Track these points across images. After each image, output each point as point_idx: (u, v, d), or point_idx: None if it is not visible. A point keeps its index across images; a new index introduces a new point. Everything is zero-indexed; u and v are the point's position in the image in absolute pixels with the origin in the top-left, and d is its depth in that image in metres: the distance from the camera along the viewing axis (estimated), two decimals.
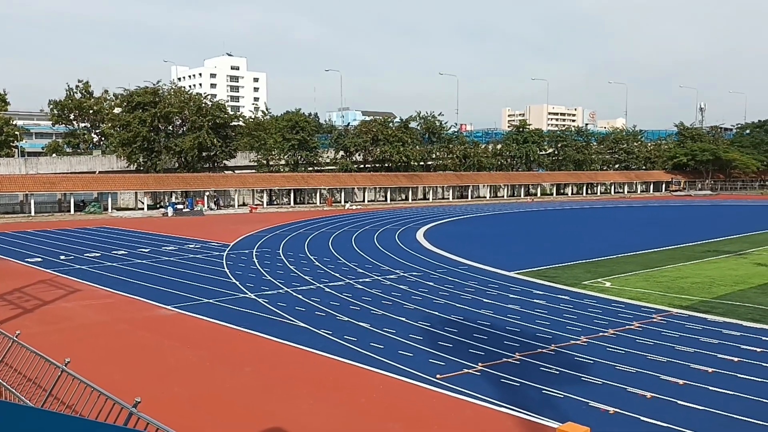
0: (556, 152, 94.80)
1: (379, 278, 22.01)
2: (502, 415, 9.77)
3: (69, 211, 55.51)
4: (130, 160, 66.17)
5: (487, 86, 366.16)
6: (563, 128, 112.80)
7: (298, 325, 15.41)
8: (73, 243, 33.68)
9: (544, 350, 13.11)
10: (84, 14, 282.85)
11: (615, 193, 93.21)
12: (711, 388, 10.78)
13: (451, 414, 9.90)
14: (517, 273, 22.86)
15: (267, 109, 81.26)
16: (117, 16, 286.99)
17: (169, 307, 17.61)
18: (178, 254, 28.67)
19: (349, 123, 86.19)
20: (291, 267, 24.62)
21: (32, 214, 53.45)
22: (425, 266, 24.73)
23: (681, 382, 11.08)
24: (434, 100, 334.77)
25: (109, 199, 58.09)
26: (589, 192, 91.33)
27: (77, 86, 77.70)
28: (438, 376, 11.45)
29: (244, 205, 67.25)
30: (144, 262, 26.33)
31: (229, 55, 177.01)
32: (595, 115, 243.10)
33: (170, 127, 68.82)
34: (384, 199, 74.69)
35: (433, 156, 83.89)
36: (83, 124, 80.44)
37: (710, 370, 11.75)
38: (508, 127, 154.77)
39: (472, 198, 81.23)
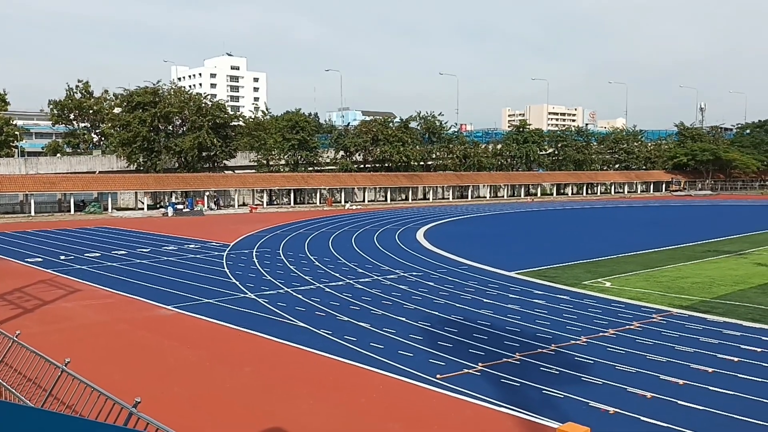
0: (556, 152, 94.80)
1: (379, 278, 22.01)
2: (502, 415, 9.77)
3: (69, 211, 55.52)
4: (130, 160, 66.18)
5: (487, 86, 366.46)
6: (563, 128, 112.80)
7: (298, 325, 15.41)
8: (73, 243, 33.68)
9: (544, 350, 13.10)
10: (84, 14, 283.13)
11: (615, 193, 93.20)
12: (711, 388, 10.78)
13: (451, 414, 9.90)
14: (517, 273, 22.86)
15: (267, 109, 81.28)
16: (117, 16, 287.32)
17: (169, 307, 17.61)
18: (178, 254, 28.67)
19: (349, 123, 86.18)
20: (291, 267, 24.62)
21: (32, 214, 53.46)
22: (425, 266, 24.73)
23: (681, 382, 11.07)
24: (434, 100, 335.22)
25: (109, 199, 58.09)
26: (589, 192, 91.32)
27: (77, 86, 77.73)
28: (438, 376, 11.45)
29: (244, 205, 67.24)
30: (144, 262, 26.33)
31: (229, 55, 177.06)
32: (595, 115, 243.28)
33: (170, 127, 68.84)
34: (384, 199, 74.69)
35: (433, 156, 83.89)
36: (83, 124, 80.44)
37: (710, 370, 11.75)
38: (508, 127, 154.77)
39: (472, 198, 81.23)
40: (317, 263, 25.59)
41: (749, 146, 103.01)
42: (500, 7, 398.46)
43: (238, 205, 66.31)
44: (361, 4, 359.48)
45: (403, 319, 15.92)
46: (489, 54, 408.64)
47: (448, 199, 79.85)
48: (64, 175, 60.90)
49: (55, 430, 2.66)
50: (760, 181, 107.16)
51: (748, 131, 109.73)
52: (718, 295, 18.85)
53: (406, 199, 76.44)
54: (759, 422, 9.34)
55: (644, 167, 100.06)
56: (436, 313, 16.61)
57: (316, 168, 75.98)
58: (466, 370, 11.79)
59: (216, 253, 28.97)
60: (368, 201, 73.53)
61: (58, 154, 75.58)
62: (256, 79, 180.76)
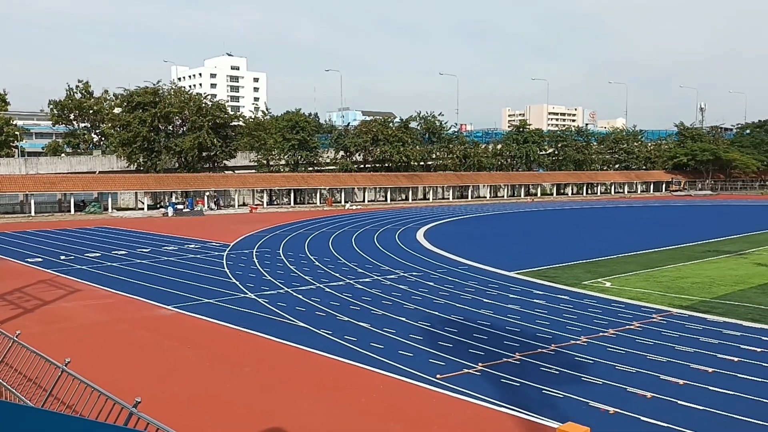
0: (556, 152, 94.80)
1: (379, 278, 22.02)
2: (502, 415, 9.77)
3: (69, 211, 55.52)
4: (130, 160, 66.19)
5: (487, 86, 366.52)
6: (563, 128, 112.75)
7: (298, 325, 15.41)
8: (74, 243, 33.68)
9: (544, 350, 13.11)
10: (84, 14, 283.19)
11: (615, 193, 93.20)
12: (711, 388, 10.78)
13: (451, 414, 9.90)
14: (517, 273, 22.86)
15: (267, 109, 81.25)
16: (117, 16, 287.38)
17: (169, 307, 17.61)
18: (178, 254, 28.67)
19: (349, 123, 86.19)
20: (291, 267, 24.63)
21: (32, 214, 53.47)
22: (425, 266, 24.73)
23: (681, 382, 11.08)
24: (434, 100, 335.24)
25: (109, 199, 58.10)
26: (589, 192, 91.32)
27: (77, 86, 77.75)
28: (438, 376, 11.45)
29: (244, 205, 67.25)
30: (144, 262, 26.34)
31: (229, 55, 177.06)
32: (595, 115, 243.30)
33: (170, 127, 68.85)
34: (384, 199, 74.70)
35: (433, 156, 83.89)
36: (83, 124, 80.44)
37: (710, 370, 11.75)
38: (508, 127, 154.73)
39: (472, 198, 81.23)
40: (317, 263, 25.59)
41: (749, 146, 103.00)
42: (500, 7, 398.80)
43: (238, 205, 66.31)
44: (361, 4, 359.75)
45: (403, 319, 15.92)
46: (489, 54, 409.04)
47: (448, 199, 79.86)
48: (64, 175, 60.91)
49: (55, 430, 2.67)
50: (760, 181, 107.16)
51: (748, 131, 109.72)
52: (718, 295, 18.85)
53: (406, 199, 76.45)
54: (759, 422, 9.34)
55: (644, 167, 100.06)
56: (436, 313, 16.62)
57: (316, 168, 75.98)
58: (466, 370, 11.79)
59: (216, 253, 28.97)
60: (368, 201, 73.54)
61: (60, 154, 75.60)
62: (256, 79, 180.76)
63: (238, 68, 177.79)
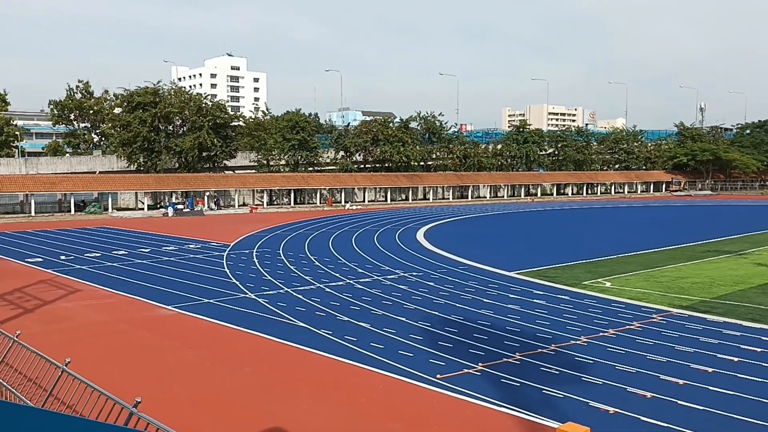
0: (556, 152, 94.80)
1: (379, 278, 22.02)
2: (502, 415, 9.77)
3: (69, 211, 55.53)
4: (130, 160, 66.20)
5: (487, 86, 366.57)
6: (563, 128, 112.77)
7: (299, 325, 15.42)
8: (74, 243, 33.69)
9: (544, 350, 13.11)
10: (84, 14, 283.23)
11: (615, 193, 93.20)
12: (711, 388, 10.78)
13: (451, 414, 9.90)
14: (517, 273, 22.86)
15: (267, 109, 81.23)
16: (117, 16, 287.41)
17: (169, 307, 17.61)
18: (178, 254, 28.68)
19: (349, 123, 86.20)
20: (291, 267, 24.63)
21: (32, 214, 53.48)
22: (425, 266, 24.73)
23: (681, 382, 11.08)
24: (434, 100, 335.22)
25: (110, 199, 58.10)
26: (590, 192, 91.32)
27: (77, 86, 77.76)
28: (438, 376, 11.45)
29: (244, 205, 67.25)
30: (144, 262, 26.34)
31: (230, 55, 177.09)
32: (595, 115, 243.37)
33: (170, 128, 68.86)
34: (384, 199, 74.70)
35: (433, 156, 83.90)
36: (83, 125, 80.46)
37: (710, 370, 11.76)
38: (508, 127, 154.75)
39: (472, 198, 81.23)
40: (317, 263, 25.59)
41: (749, 146, 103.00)
42: (500, 7, 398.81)
43: (239, 206, 66.31)
44: (361, 4, 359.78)
45: (403, 319, 15.92)
46: (489, 54, 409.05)
47: (448, 199, 79.85)
48: (64, 175, 60.92)
49: (55, 430, 2.67)
50: (760, 181, 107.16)
51: (748, 131, 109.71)
52: (718, 295, 18.85)
53: (406, 199, 76.45)
54: (759, 422, 9.34)
55: (644, 167, 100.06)
56: (437, 313, 16.62)
57: (316, 168, 75.99)
58: (466, 370, 11.80)
59: (216, 253, 28.97)
60: (368, 201, 73.55)
61: (63, 154, 75.61)
62: (256, 80, 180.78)
63: (238, 68, 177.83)
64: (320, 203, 68.66)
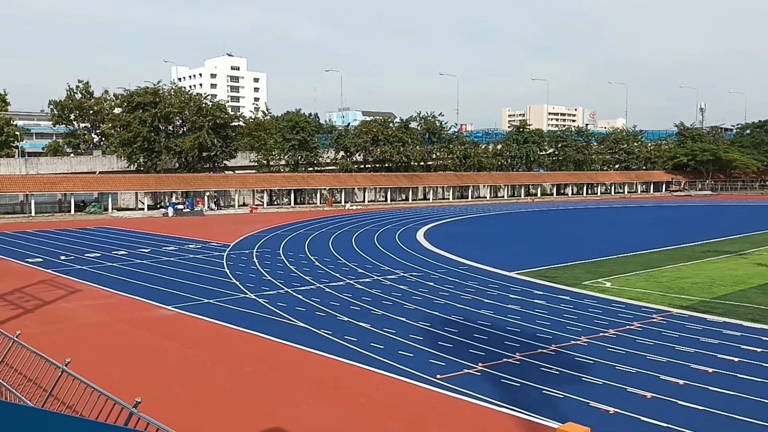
0: (556, 152, 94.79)
1: (379, 278, 22.02)
2: (502, 415, 9.77)
3: (69, 211, 55.53)
4: (130, 160, 66.20)
5: (487, 86, 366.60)
6: (563, 128, 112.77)
7: (298, 325, 15.42)
8: (74, 243, 33.69)
9: (544, 350, 13.11)
10: (84, 14, 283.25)
11: (615, 193, 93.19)
12: (711, 388, 10.78)
13: (451, 414, 9.90)
14: (518, 273, 22.86)
15: (267, 110, 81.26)
16: (117, 16, 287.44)
17: (169, 307, 17.61)
18: (178, 254, 28.68)
19: (349, 123, 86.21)
20: (291, 267, 24.63)
21: (33, 214, 53.48)
22: (425, 266, 24.73)
23: (681, 382, 11.08)
24: (434, 100, 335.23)
25: (110, 200, 58.10)
26: (590, 192, 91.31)
27: (77, 86, 77.80)
28: (438, 376, 11.45)
29: (244, 205, 67.26)
30: (144, 262, 26.34)
31: (230, 55, 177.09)
32: (595, 115, 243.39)
33: (170, 128, 68.87)
34: (384, 199, 74.70)
35: (434, 156, 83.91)
36: (83, 125, 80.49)
37: (710, 370, 11.75)
38: (509, 127, 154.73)
39: (472, 198, 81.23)
40: (317, 263, 25.59)
41: (749, 146, 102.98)
42: (500, 7, 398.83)
43: (239, 206, 66.32)
44: (361, 4, 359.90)
45: (404, 319, 15.92)
46: (489, 54, 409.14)
47: (448, 199, 79.85)
48: (64, 175, 60.92)
49: (55, 430, 2.67)
50: (760, 182, 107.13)
51: (748, 131, 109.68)
52: (718, 296, 18.85)
53: (406, 199, 76.45)
54: (759, 422, 9.34)
55: (644, 167, 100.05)
56: (437, 313, 16.62)
57: (316, 168, 76.00)
58: (466, 370, 11.79)
59: (216, 253, 28.97)
60: (368, 201, 73.55)
61: (64, 154, 75.61)
62: (256, 80, 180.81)
63: (238, 68, 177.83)
64: (320, 203, 68.65)
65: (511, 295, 18.90)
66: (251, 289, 20.05)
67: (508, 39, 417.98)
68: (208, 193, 62.22)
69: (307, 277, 22.20)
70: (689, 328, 14.92)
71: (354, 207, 66.21)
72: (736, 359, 12.41)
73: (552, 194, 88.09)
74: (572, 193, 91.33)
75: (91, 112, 78.25)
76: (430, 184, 79.64)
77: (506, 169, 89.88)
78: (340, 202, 69.40)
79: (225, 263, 25.66)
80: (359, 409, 10.20)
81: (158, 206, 62.01)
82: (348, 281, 21.44)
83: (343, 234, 37.61)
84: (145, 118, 64.05)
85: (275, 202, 69.01)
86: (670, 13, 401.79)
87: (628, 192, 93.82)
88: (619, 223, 46.96)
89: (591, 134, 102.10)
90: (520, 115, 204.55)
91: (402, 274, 22.80)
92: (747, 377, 11.34)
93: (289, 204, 67.71)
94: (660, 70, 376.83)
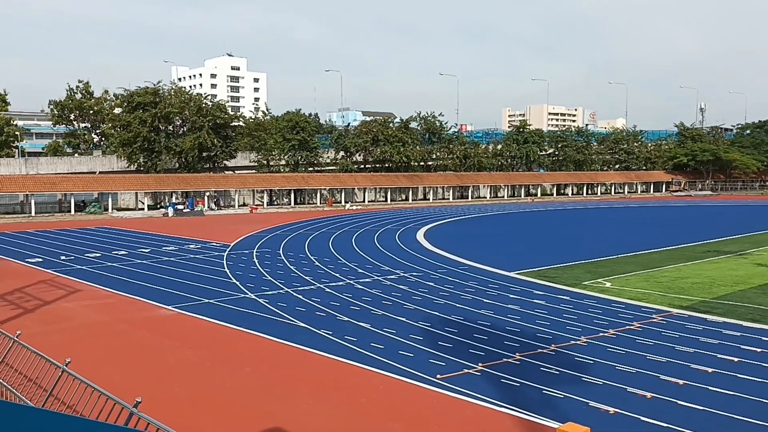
0: (556, 152, 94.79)
1: (379, 278, 22.02)
2: (502, 415, 9.77)
3: (69, 211, 55.53)
4: (130, 160, 66.20)
5: (487, 86, 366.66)
6: (563, 128, 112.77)
7: (299, 325, 15.42)
8: (74, 243, 33.69)
9: (544, 350, 13.11)
10: (84, 14, 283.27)
11: (615, 193, 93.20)
12: (711, 388, 10.78)
13: (451, 414, 9.90)
14: (517, 273, 22.86)
15: (267, 110, 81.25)
16: (117, 16, 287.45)
17: (169, 307, 17.62)
18: (178, 254, 28.68)
19: (349, 123, 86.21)
20: (291, 267, 24.63)
21: (33, 214, 53.48)
22: (425, 266, 24.73)
23: (681, 382, 11.08)
24: (434, 100, 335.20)
25: (110, 200, 58.11)
26: (590, 192, 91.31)
27: (77, 86, 77.78)
28: (438, 376, 11.46)
29: (244, 205, 67.26)
30: (144, 262, 26.34)
31: (230, 55, 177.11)
32: (596, 115, 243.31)
33: (170, 128, 68.86)
34: (384, 199, 74.70)
35: (434, 156, 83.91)
36: (84, 125, 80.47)
37: (710, 370, 11.76)
38: (509, 127, 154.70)
39: (472, 198, 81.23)
40: (317, 263, 25.59)
41: (749, 146, 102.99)
42: (500, 7, 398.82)
43: (239, 206, 66.32)
44: (361, 4, 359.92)
45: (404, 319, 15.92)
46: (489, 54, 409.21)
47: (448, 199, 79.85)
48: (64, 175, 60.92)
49: (55, 430, 2.67)
50: (760, 182, 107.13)
51: (748, 131, 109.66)
52: (718, 296, 18.85)
53: (407, 199, 76.45)
54: (759, 422, 9.34)
55: (644, 167, 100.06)
56: (437, 313, 16.62)
57: (316, 168, 75.99)
58: (466, 370, 11.80)
59: (216, 253, 28.97)
60: (368, 201, 73.54)
61: (64, 154, 75.60)
62: (256, 80, 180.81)
63: (238, 68, 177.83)
64: (320, 203, 68.66)
65: (511, 295, 18.91)
66: (251, 289, 20.06)
67: (508, 39, 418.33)
68: (208, 193, 62.23)
69: (307, 277, 22.20)
70: (689, 329, 14.92)
71: (354, 207, 66.21)
72: (735, 359, 12.41)
73: (552, 194, 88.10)
74: (572, 193, 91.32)
75: (91, 112, 78.24)
76: (430, 184, 79.64)
77: (506, 169, 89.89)
78: (340, 202, 69.40)
79: (225, 263, 25.66)
80: (359, 409, 10.21)
81: (158, 206, 62.02)
82: (348, 281, 21.45)
83: (343, 234, 37.61)
84: (145, 118, 64.05)
85: (275, 202, 69.02)
86: (670, 13, 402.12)
87: (628, 192, 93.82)
88: (619, 223, 46.96)
89: (591, 134, 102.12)
90: (520, 115, 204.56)
91: (402, 274, 22.81)
92: (747, 377, 11.34)
93: (289, 204, 67.71)
94: (660, 70, 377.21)
